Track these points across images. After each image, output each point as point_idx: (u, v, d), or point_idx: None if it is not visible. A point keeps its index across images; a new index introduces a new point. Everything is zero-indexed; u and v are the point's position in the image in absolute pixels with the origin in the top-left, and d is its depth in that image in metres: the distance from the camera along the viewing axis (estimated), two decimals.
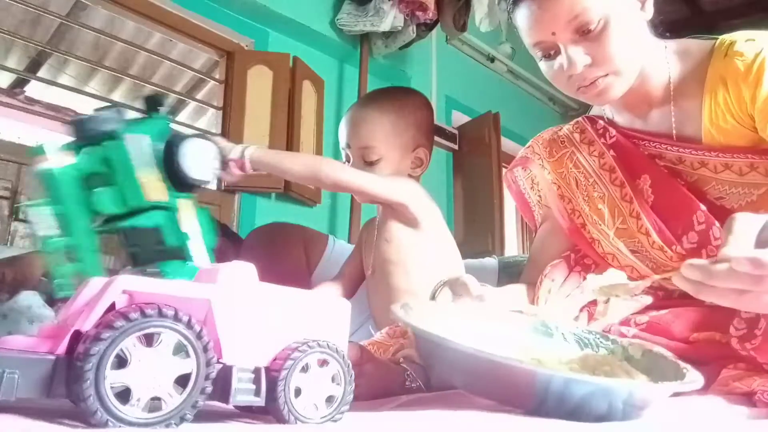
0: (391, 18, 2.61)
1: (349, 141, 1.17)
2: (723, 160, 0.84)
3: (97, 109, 0.56)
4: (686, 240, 0.85)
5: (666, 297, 0.95)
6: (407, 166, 1.18)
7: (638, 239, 0.90)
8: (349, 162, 1.18)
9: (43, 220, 0.54)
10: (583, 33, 0.81)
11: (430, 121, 1.23)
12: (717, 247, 0.82)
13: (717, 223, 0.82)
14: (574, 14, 0.80)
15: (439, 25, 2.83)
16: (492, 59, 3.77)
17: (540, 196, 1.09)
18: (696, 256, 0.84)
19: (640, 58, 0.85)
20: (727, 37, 0.83)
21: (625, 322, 0.91)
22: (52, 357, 0.37)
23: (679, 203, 0.86)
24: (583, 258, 1.00)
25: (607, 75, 0.83)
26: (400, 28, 2.69)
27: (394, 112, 1.16)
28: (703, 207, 0.84)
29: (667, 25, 0.90)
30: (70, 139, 0.56)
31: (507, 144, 3.44)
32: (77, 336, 0.38)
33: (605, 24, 0.80)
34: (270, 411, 0.44)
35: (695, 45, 0.88)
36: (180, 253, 0.55)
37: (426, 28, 2.80)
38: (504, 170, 3.16)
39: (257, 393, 0.43)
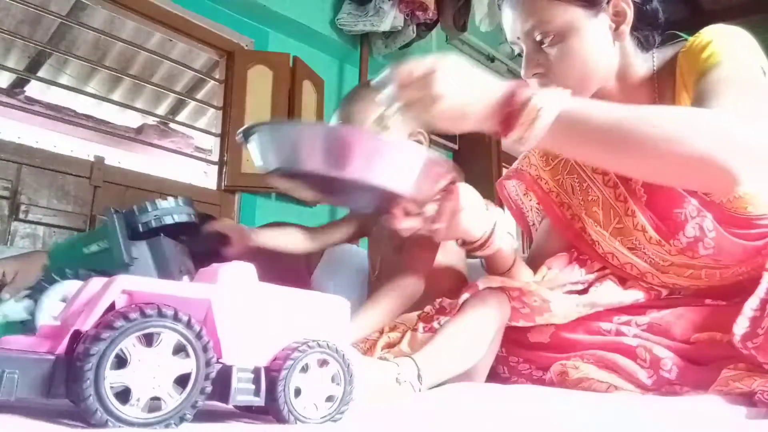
0: (391, 18, 2.61)
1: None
2: None
3: None
4: (683, 234, 0.87)
5: (667, 297, 0.95)
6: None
7: (635, 236, 0.91)
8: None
9: None
10: (541, 44, 0.85)
11: None
12: (713, 239, 0.84)
13: (709, 215, 0.84)
14: (531, 25, 0.84)
15: (439, 25, 2.83)
16: (492, 59, 3.76)
17: (538, 197, 1.09)
18: (693, 249, 0.86)
19: (596, 75, 0.87)
20: (693, 36, 0.86)
21: (626, 322, 0.91)
22: (52, 357, 0.37)
23: (672, 200, 0.87)
24: (582, 254, 1.01)
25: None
26: (400, 28, 2.69)
27: None
28: (694, 201, 0.85)
29: (668, 25, 0.91)
30: None
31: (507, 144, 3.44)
32: (77, 336, 0.38)
33: (559, 41, 0.83)
34: (270, 411, 0.44)
35: (676, 47, 0.90)
36: None
37: (426, 28, 2.80)
38: (503, 171, 3.17)
39: (257, 393, 0.43)
